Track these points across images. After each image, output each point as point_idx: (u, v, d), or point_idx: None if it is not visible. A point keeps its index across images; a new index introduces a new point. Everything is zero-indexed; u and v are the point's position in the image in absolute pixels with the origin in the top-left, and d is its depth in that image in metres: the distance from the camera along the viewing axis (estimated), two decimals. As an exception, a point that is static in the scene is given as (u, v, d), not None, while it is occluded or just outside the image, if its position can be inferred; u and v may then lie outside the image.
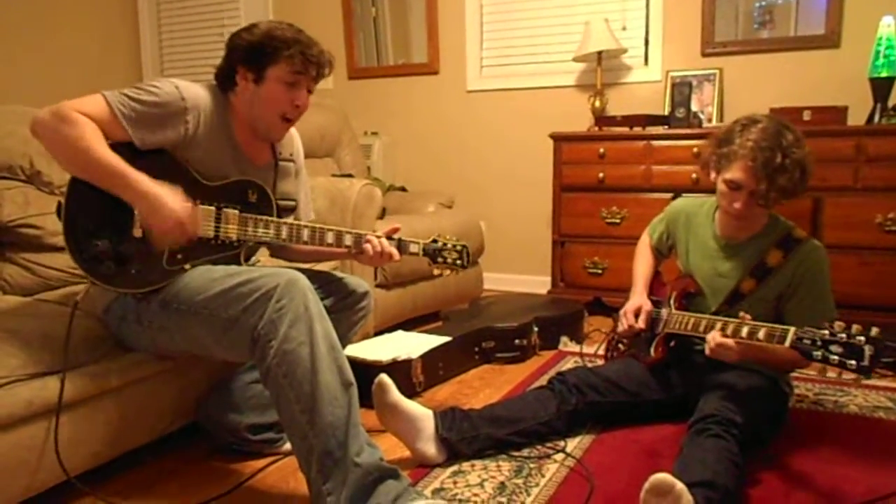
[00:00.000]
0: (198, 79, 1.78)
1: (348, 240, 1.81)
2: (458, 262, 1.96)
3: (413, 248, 1.90)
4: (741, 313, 1.75)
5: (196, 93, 1.68)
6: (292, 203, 1.89)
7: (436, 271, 1.95)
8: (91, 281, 1.61)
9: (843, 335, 1.52)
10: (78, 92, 1.60)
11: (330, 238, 1.80)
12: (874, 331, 1.50)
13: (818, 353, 1.55)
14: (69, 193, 1.58)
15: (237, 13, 4.57)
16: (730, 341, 1.74)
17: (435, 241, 1.94)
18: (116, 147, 1.56)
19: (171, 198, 1.58)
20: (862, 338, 1.49)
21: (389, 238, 1.85)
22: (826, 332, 1.55)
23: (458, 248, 1.96)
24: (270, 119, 1.74)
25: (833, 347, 1.53)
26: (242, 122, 1.75)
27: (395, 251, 1.84)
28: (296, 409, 1.47)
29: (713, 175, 1.92)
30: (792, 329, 1.62)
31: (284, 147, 1.90)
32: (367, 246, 1.81)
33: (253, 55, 1.68)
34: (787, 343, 1.61)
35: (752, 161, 1.79)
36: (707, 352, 1.78)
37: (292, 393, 1.48)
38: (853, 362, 1.49)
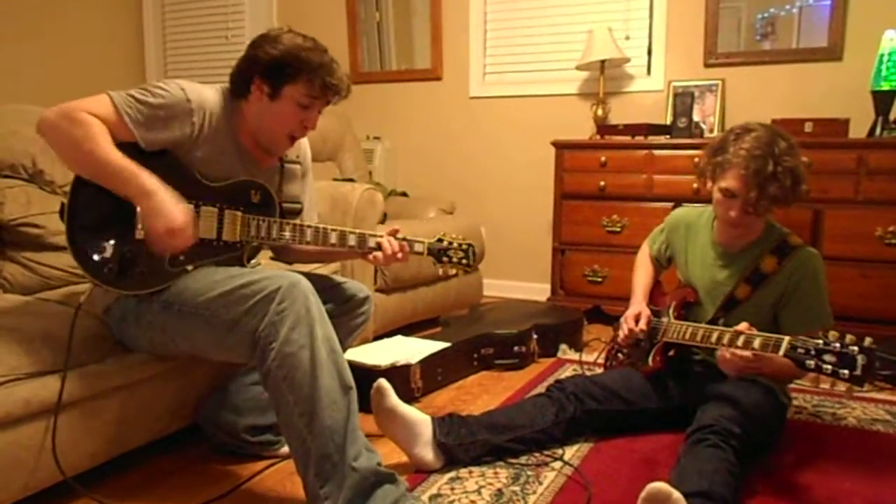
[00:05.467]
0: (201, 81, 1.78)
1: (352, 240, 1.80)
2: (464, 261, 1.90)
3: (418, 248, 1.87)
4: (743, 324, 1.75)
5: (201, 94, 1.67)
6: (298, 206, 1.88)
7: (441, 270, 1.91)
8: (93, 282, 1.61)
9: (837, 344, 1.52)
10: (81, 93, 1.60)
11: (333, 238, 1.79)
12: (867, 340, 1.50)
13: (811, 363, 1.55)
14: (72, 194, 1.58)
15: (241, 16, 4.56)
16: (744, 354, 1.72)
17: (440, 240, 1.90)
18: (120, 147, 1.56)
19: (173, 203, 1.56)
20: (855, 347, 1.49)
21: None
22: (820, 341, 1.55)
23: (464, 247, 1.91)
24: (277, 135, 1.72)
25: (826, 357, 1.53)
26: (249, 128, 1.74)
27: (406, 247, 1.83)
28: (294, 411, 1.47)
29: (709, 184, 1.94)
30: (786, 338, 1.62)
31: (290, 149, 1.90)
32: (379, 253, 1.80)
33: (273, 70, 1.65)
34: (781, 352, 1.62)
35: (744, 169, 1.80)
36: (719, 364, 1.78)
37: (291, 396, 1.47)
38: (846, 372, 1.49)
